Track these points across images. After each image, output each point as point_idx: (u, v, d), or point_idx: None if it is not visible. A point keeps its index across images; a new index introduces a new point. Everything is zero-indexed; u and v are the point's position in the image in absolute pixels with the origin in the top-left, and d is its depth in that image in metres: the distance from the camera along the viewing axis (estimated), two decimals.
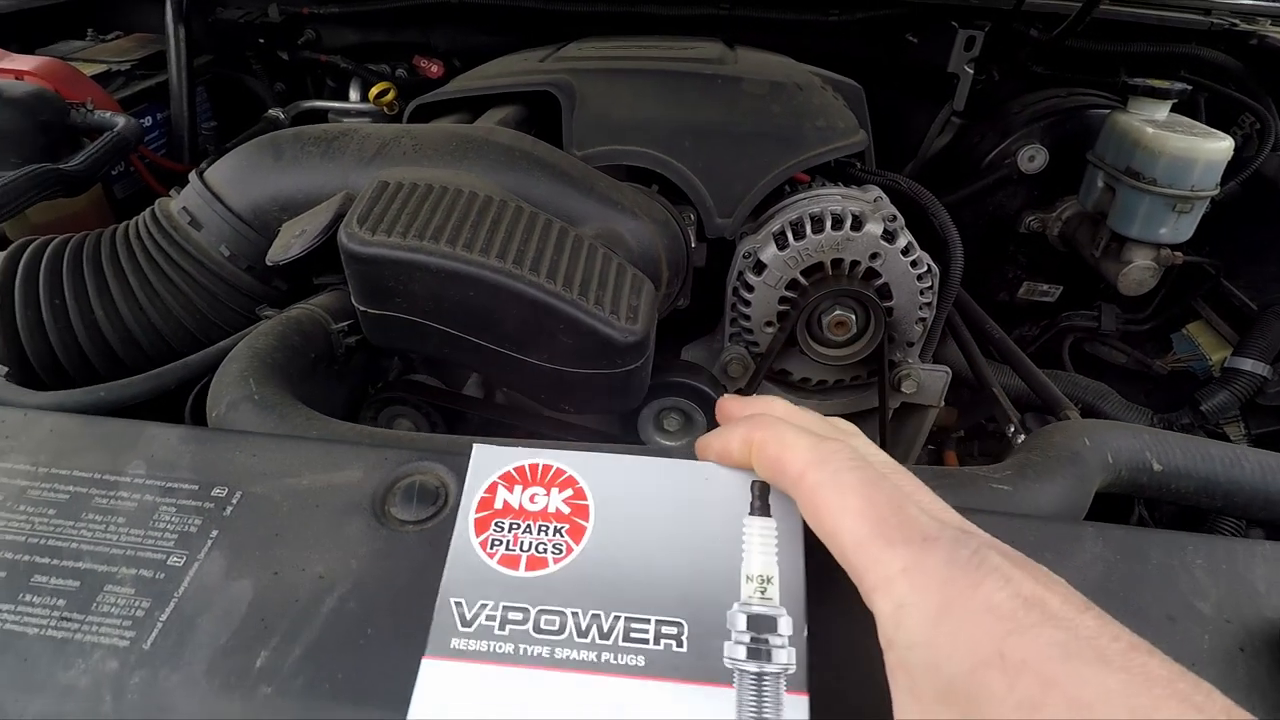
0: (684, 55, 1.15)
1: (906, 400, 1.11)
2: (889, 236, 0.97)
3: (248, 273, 0.88)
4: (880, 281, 0.99)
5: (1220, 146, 1.20)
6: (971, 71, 1.41)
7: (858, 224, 0.96)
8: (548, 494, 0.40)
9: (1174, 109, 1.35)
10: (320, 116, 1.67)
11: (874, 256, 0.98)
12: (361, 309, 0.74)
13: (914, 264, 0.99)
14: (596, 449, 0.45)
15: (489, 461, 0.41)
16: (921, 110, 1.63)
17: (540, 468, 0.41)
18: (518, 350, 0.75)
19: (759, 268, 1.00)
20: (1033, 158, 1.48)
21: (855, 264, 0.98)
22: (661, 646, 0.34)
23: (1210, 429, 1.32)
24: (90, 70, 1.38)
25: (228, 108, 1.70)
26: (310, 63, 1.68)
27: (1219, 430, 1.31)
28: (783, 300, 1.01)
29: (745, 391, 1.06)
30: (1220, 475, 0.75)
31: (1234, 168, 1.31)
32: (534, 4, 1.47)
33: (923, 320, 1.03)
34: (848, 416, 1.13)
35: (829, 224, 0.96)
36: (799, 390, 1.10)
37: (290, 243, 0.82)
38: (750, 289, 1.01)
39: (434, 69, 1.61)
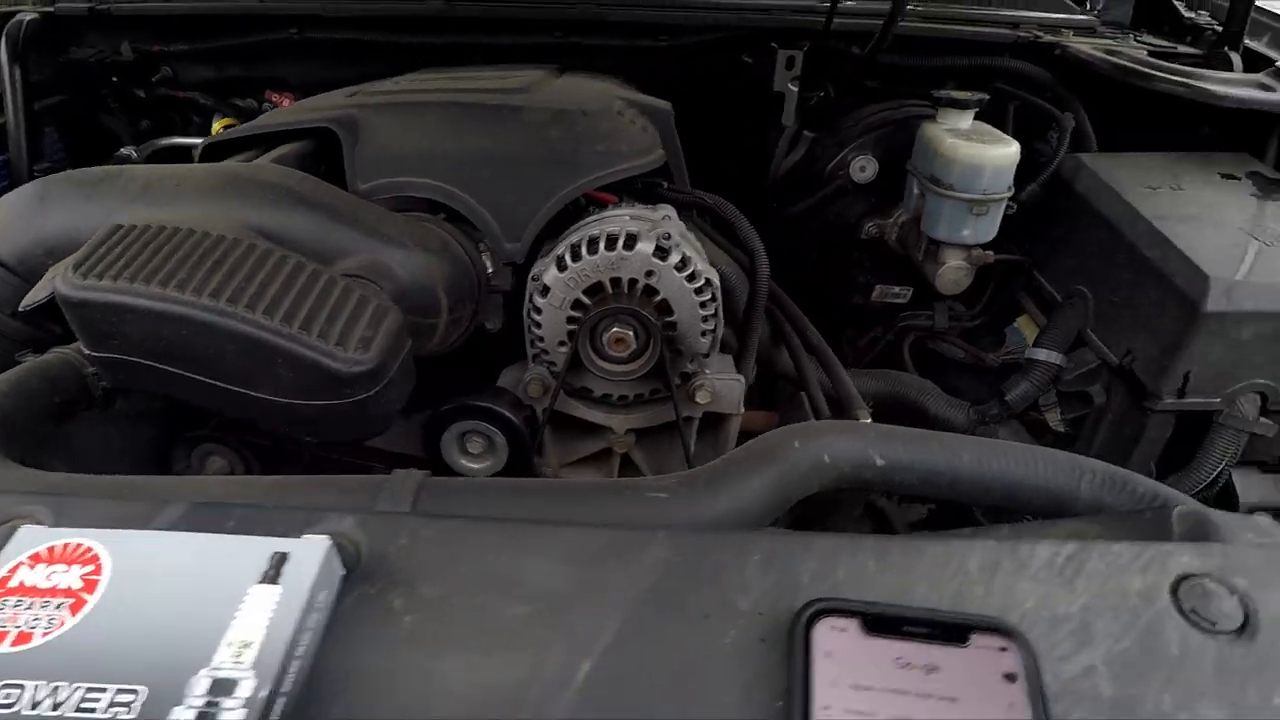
0: (487, 85, 1.19)
1: (708, 410, 1.14)
2: (661, 254, 1.01)
3: (16, 318, 0.89)
4: (659, 298, 1.03)
5: (1005, 152, 1.26)
6: (796, 89, 1.47)
7: (630, 243, 1.00)
8: (67, 570, 0.42)
9: (989, 118, 1.42)
10: (180, 152, 1.69)
11: (649, 274, 1.01)
12: (87, 352, 0.76)
13: (690, 278, 1.02)
14: (134, 534, 0.45)
15: (28, 540, 0.43)
16: (775, 127, 1.69)
17: (71, 546, 0.43)
18: (245, 386, 0.77)
19: (544, 290, 1.03)
20: (864, 168, 1.54)
21: (633, 282, 1.02)
22: (110, 715, 0.36)
23: (1033, 417, 1.38)
24: None
25: (85, 148, 1.71)
26: (169, 99, 1.70)
27: (1039, 418, 1.37)
28: (570, 320, 1.04)
29: (547, 410, 1.09)
30: (941, 466, 0.79)
31: (1035, 170, 1.38)
32: (376, 38, 1.50)
33: (709, 332, 1.07)
34: (652, 430, 1.17)
35: (603, 245, 1.00)
36: (602, 405, 1.14)
37: (42, 286, 0.84)
38: (539, 311, 1.05)
39: (285, 103, 1.64)
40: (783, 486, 0.75)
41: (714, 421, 1.19)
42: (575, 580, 0.49)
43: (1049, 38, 1.51)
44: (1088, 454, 1.25)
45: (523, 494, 0.63)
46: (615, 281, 1.02)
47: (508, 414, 1.07)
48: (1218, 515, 0.58)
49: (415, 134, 1.05)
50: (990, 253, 1.39)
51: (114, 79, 1.65)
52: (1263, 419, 1.10)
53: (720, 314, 1.07)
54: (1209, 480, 1.11)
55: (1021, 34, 1.50)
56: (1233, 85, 1.38)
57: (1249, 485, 1.18)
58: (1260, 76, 1.41)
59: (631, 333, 1.01)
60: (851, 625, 0.44)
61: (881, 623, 0.44)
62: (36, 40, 1.54)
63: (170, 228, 0.78)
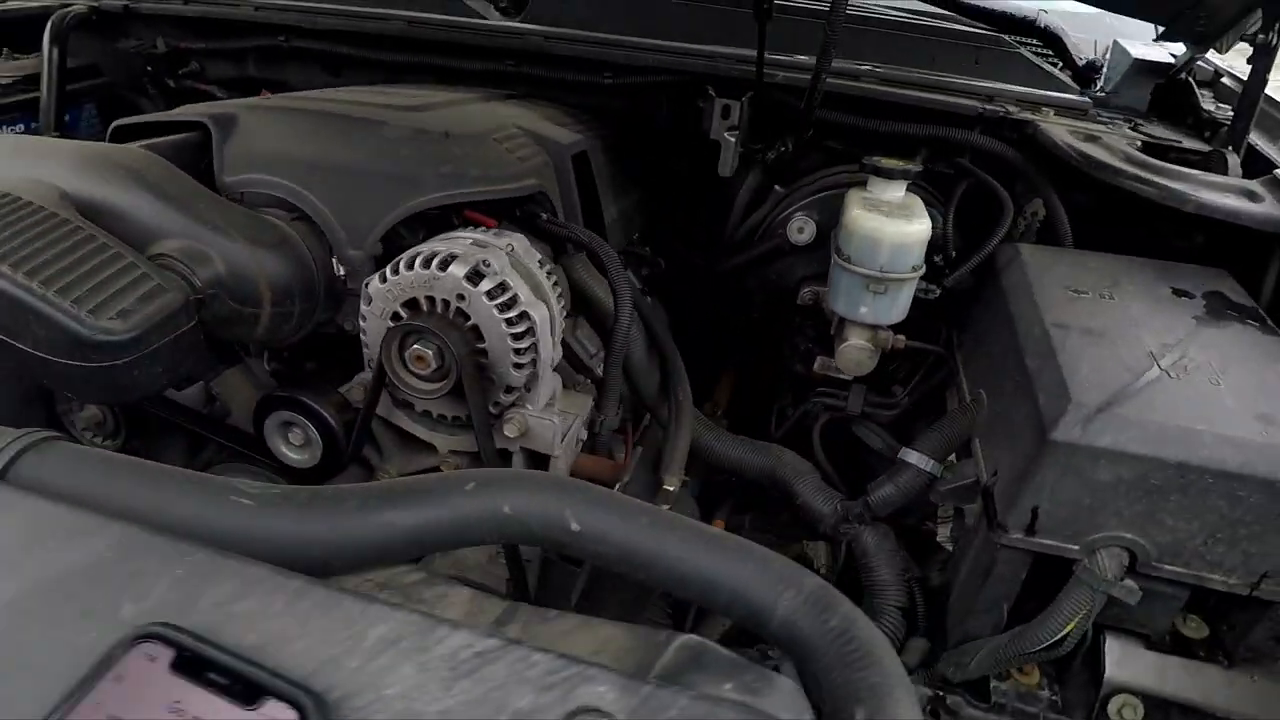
0: (384, 101, 1.23)
1: (525, 446, 1.12)
2: (473, 279, 1.00)
3: None
4: (470, 323, 1.02)
5: (907, 231, 1.17)
6: (733, 140, 1.43)
7: (444, 264, 1.00)
8: None
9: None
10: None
11: (460, 297, 1.01)
12: None
13: (503, 308, 1.01)
14: None
15: None
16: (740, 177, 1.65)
17: None
18: (9, 337, 0.83)
19: (369, 299, 1.05)
20: (801, 229, 1.47)
21: (446, 303, 1.02)
22: None
23: (928, 528, 1.25)
24: None
25: None
26: (192, 90, 1.88)
27: (931, 529, 1.24)
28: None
29: (363, 415, 1.10)
30: (642, 546, 0.75)
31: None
32: (349, 51, 1.60)
33: (523, 366, 1.05)
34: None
35: (419, 262, 1.01)
36: (424, 421, 1.13)
37: None
38: (364, 319, 1.07)
39: None
40: (436, 528, 0.73)
41: (540, 461, 1.16)
42: None
43: (1024, 115, 1.40)
44: (954, 580, 1.13)
45: (117, 474, 0.64)
46: (430, 300, 1.03)
47: (320, 410, 1.09)
48: (723, 655, 0.51)
49: (280, 137, 1.10)
50: (900, 338, 1.29)
51: (149, 68, 1.85)
52: (1126, 581, 0.93)
53: (540, 350, 1.05)
54: (1056, 639, 0.95)
55: (992, 107, 1.39)
56: (1212, 190, 1.22)
57: (1124, 658, 1.00)
58: (1252, 183, 1.24)
59: (432, 352, 1.01)
60: (166, 656, 0.42)
61: (189, 662, 0.42)
62: (83, 30, 1.75)
63: None
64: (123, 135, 1.19)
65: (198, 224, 0.99)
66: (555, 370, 1.21)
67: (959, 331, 1.35)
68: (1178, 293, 1.17)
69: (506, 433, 1.08)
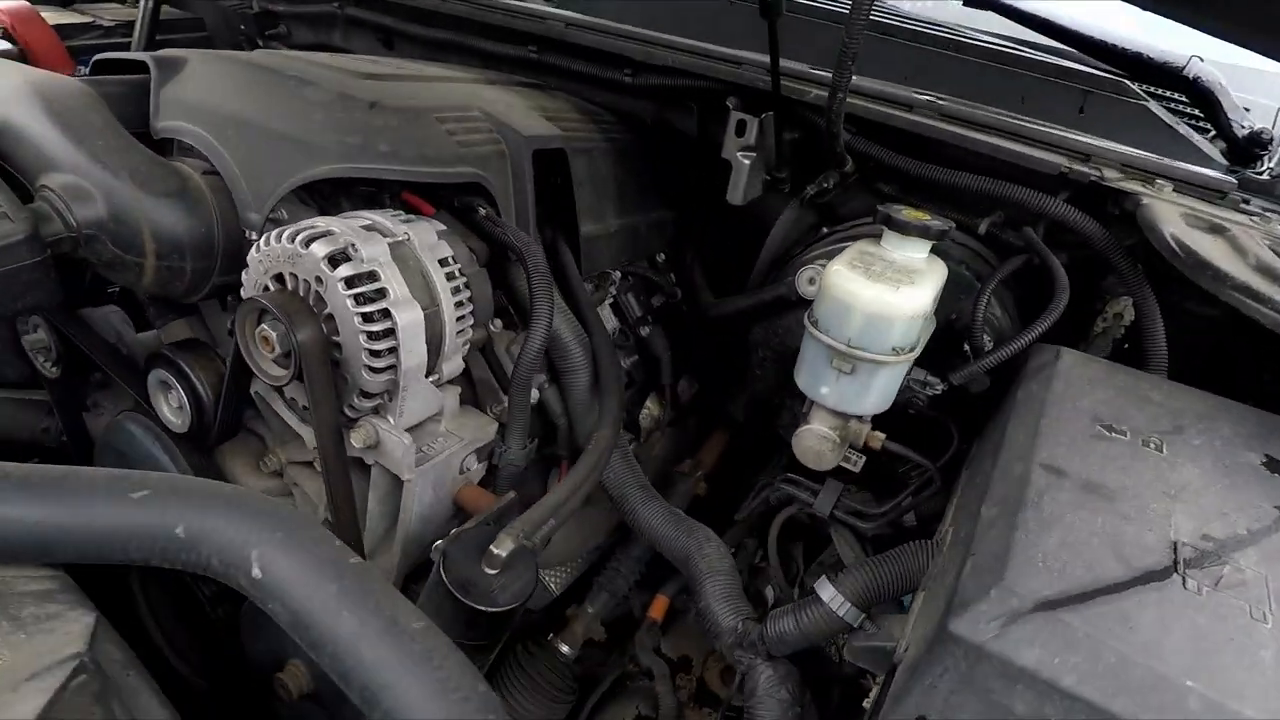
0: (353, 66, 1.15)
1: (379, 462, 0.98)
2: (333, 262, 0.89)
3: None
4: (326, 311, 0.91)
5: (889, 300, 0.91)
6: (746, 162, 1.22)
7: (308, 241, 0.90)
8: None
9: None
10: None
11: (319, 280, 0.90)
12: None
13: (360, 300, 0.89)
14: None
15: None
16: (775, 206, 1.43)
17: None
18: None
19: (246, 267, 0.97)
20: (813, 280, 1.23)
21: (307, 284, 0.91)
22: None
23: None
24: (63, 19, 1.73)
25: None
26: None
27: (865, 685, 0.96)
28: None
29: (225, 390, 1.02)
30: (313, 616, 0.60)
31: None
32: (389, 23, 1.56)
33: (380, 370, 0.91)
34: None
35: (287, 235, 0.91)
36: (295, 410, 1.03)
37: None
38: (242, 288, 0.99)
39: None
40: (74, 534, 0.62)
41: (380, 477, 1.02)
42: None
43: (1127, 184, 1.07)
44: None
45: None
46: (293, 279, 0.92)
47: (191, 375, 1.02)
48: None
49: (212, 88, 1.05)
50: (877, 435, 1.01)
51: (242, 27, 1.93)
52: None
53: (402, 357, 0.92)
54: None
55: (1082, 169, 1.07)
56: None
57: None
58: None
59: (277, 335, 0.90)
60: None
61: None
62: None
63: None
64: (103, 69, 1.20)
65: (90, 160, 0.95)
66: (453, 384, 1.08)
67: (975, 445, 1.05)
68: (1272, 465, 0.82)
69: (353, 440, 0.95)
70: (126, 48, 1.79)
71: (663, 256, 1.62)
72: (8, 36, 1.64)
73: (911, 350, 0.94)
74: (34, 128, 0.94)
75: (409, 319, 0.91)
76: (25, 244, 0.86)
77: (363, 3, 1.59)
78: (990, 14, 1.33)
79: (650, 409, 1.63)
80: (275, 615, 0.63)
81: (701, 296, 1.53)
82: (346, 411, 0.96)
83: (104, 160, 0.95)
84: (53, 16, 1.73)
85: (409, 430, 0.99)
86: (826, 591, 0.87)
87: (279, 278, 0.93)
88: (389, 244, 0.93)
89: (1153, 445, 0.82)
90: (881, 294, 0.91)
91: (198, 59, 1.07)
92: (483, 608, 0.83)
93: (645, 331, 1.50)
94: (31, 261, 0.87)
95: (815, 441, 1.02)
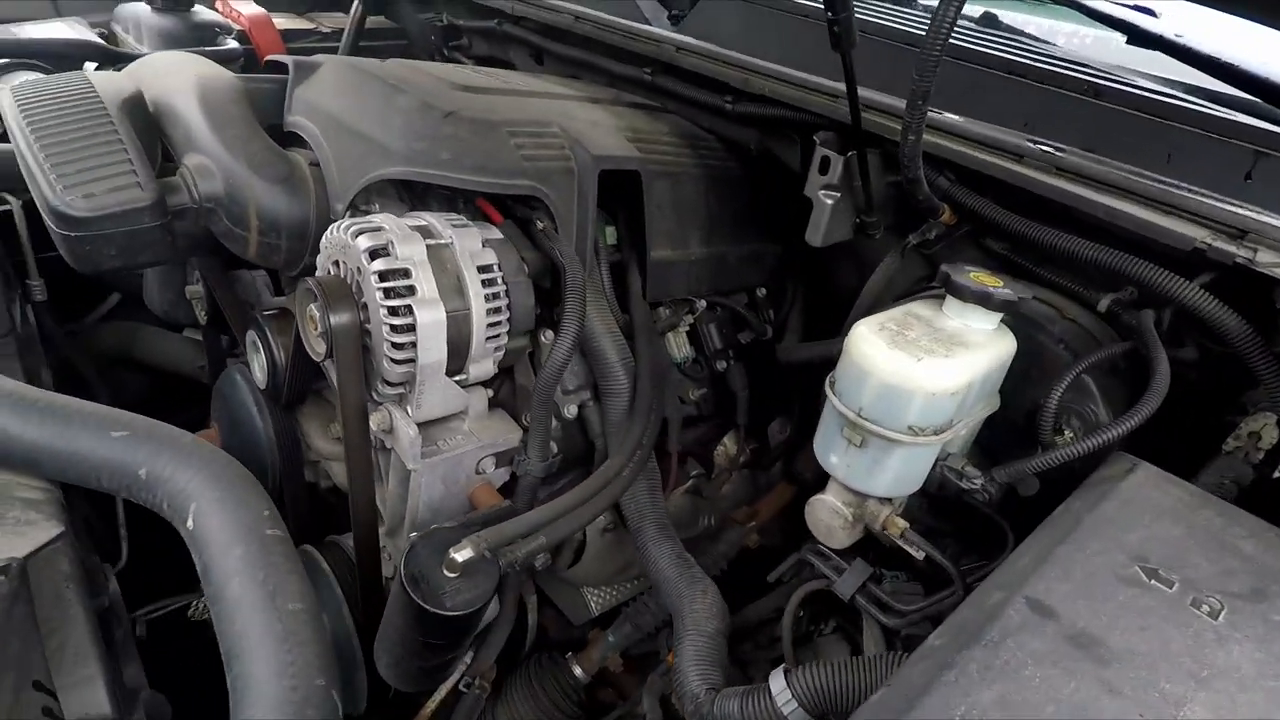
0: (452, 78, 1.23)
1: (396, 449, 1.04)
2: (371, 256, 0.95)
3: None
4: (363, 300, 0.98)
5: (908, 373, 0.80)
6: (829, 202, 1.13)
7: (355, 234, 0.97)
8: None
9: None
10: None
11: (359, 271, 0.97)
12: None
13: (388, 294, 0.95)
14: None
15: None
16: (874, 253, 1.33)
17: None
18: (28, 184, 1.03)
19: (319, 250, 1.07)
20: None
21: (352, 273, 0.99)
22: None
23: None
24: (291, 25, 2.02)
25: None
26: (456, 61, 2.12)
27: None
28: None
29: (289, 361, 1.13)
30: (212, 573, 0.67)
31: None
32: (538, 41, 1.65)
33: (399, 363, 0.97)
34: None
35: (344, 226, 1.00)
36: None
37: None
38: (316, 269, 1.09)
39: None
40: (50, 452, 0.73)
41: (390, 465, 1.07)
42: None
43: (1271, 268, 0.86)
44: None
45: None
46: (344, 267, 1.01)
47: (270, 340, 1.14)
48: None
49: (330, 90, 1.16)
50: (898, 522, 0.90)
51: (432, 37, 2.13)
52: None
53: (420, 353, 0.96)
54: None
55: (1225, 247, 0.88)
56: None
57: None
58: None
59: (319, 315, 0.99)
60: None
61: None
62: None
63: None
64: (274, 69, 1.38)
65: (219, 145, 1.10)
66: (484, 387, 1.11)
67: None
68: None
69: (371, 422, 1.02)
70: (332, 53, 2.06)
71: (763, 291, 1.55)
72: (242, 38, 1.96)
73: (937, 432, 0.82)
74: (186, 114, 1.12)
75: (430, 318, 0.95)
76: (148, 210, 1.02)
77: (516, 21, 1.69)
78: (1144, 53, 1.13)
79: (726, 447, 1.57)
80: (197, 564, 0.68)
81: (787, 338, 1.45)
82: (373, 395, 1.03)
83: (230, 146, 1.10)
84: (283, 22, 2.04)
85: (426, 424, 1.04)
86: (777, 684, 0.79)
87: (337, 264, 1.02)
88: (428, 245, 0.98)
89: (1205, 608, 0.65)
90: (900, 363, 0.80)
91: (328, 65, 1.21)
92: (428, 607, 0.84)
93: (722, 366, 1.45)
94: (151, 225, 1.03)
95: (826, 515, 0.93)
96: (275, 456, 1.27)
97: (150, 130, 1.14)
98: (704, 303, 1.43)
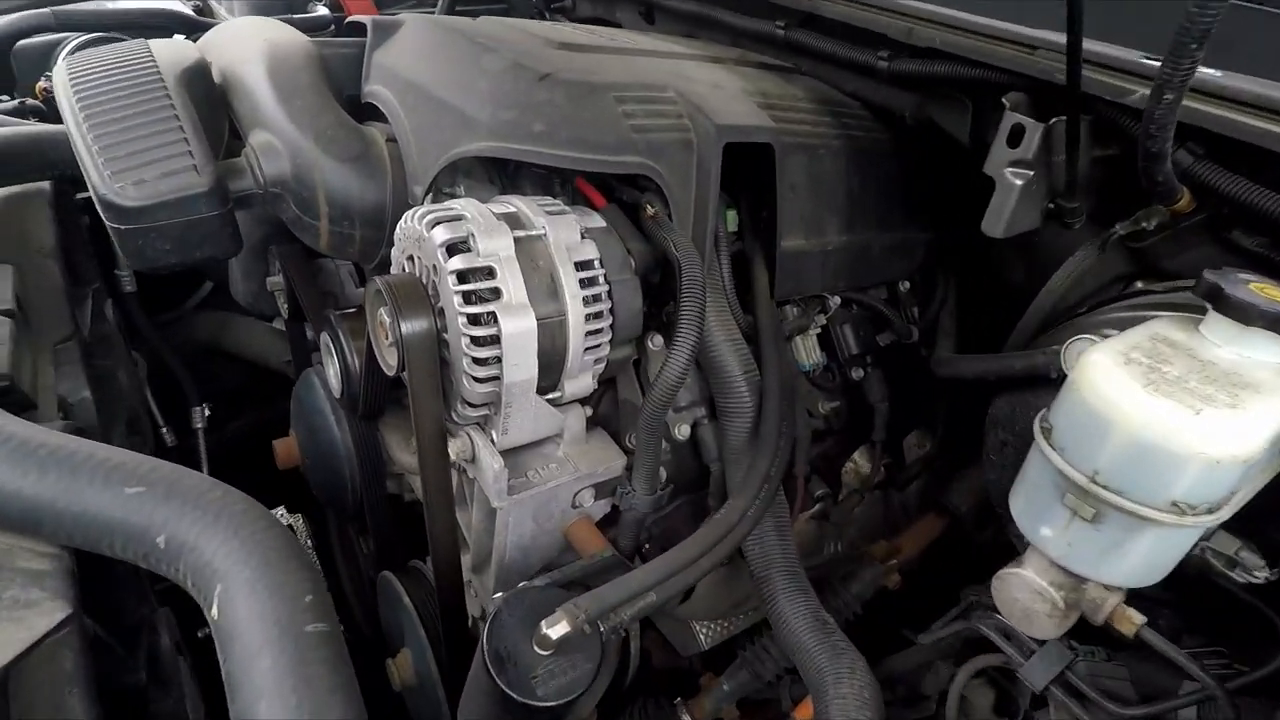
0: (553, 36, 1.04)
1: (479, 482, 0.87)
2: (450, 252, 0.79)
3: None
4: (439, 305, 0.81)
5: (1180, 429, 0.56)
6: (1018, 182, 0.88)
7: (431, 225, 0.81)
8: None
9: None
10: None
11: (435, 269, 0.81)
12: None
13: (468, 299, 0.78)
14: None
15: None
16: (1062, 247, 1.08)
17: None
18: (77, 170, 0.91)
19: (393, 243, 0.92)
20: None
21: (428, 271, 0.83)
22: None
23: None
24: None
25: None
26: None
27: None
28: None
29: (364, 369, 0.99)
30: (237, 686, 0.53)
31: None
32: None
33: (478, 380, 0.80)
34: None
35: (417, 216, 0.83)
36: None
37: None
38: (392, 263, 0.94)
39: None
40: (52, 511, 0.60)
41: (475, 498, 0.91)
42: None
43: None
44: None
45: None
46: (419, 264, 0.85)
47: (344, 344, 1.01)
48: None
49: (410, 50, 1.00)
50: (1133, 617, 0.66)
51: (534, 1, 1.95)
52: None
53: (506, 370, 0.79)
54: None
55: None
56: None
57: None
58: None
59: (390, 322, 0.83)
60: None
61: None
62: None
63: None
64: (353, 31, 1.23)
65: (285, 119, 0.96)
66: (582, 404, 0.94)
67: None
68: None
69: (450, 450, 0.86)
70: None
71: (907, 285, 1.31)
72: (335, 4, 1.85)
73: (1211, 510, 0.58)
74: (253, 84, 0.98)
75: (517, 327, 0.78)
76: (205, 198, 0.89)
77: None
78: None
79: (857, 465, 1.35)
80: (222, 668, 0.54)
81: (941, 344, 1.21)
82: (453, 416, 0.87)
83: (297, 120, 0.96)
84: None
85: (514, 450, 0.88)
86: None
87: (411, 260, 0.87)
88: (517, 237, 0.81)
89: None
90: (1167, 415, 0.56)
91: (410, 23, 1.05)
92: (516, 696, 0.68)
93: (859, 374, 1.22)
94: (210, 215, 0.90)
95: (1025, 597, 0.70)
96: (355, 469, 1.15)
97: (215, 105, 1.02)
98: (838, 300, 1.21)
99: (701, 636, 1.28)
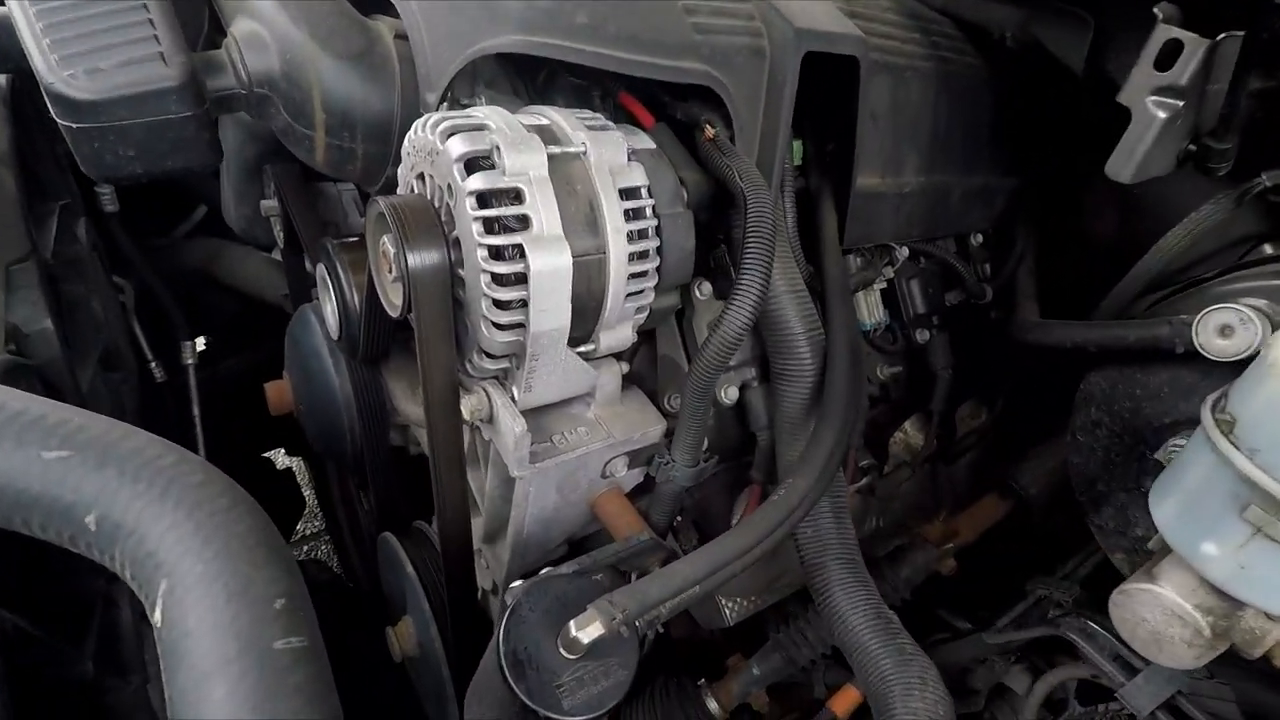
0: None
1: (492, 440, 0.75)
2: (467, 168, 0.64)
3: None
4: (454, 234, 0.67)
5: None
6: (1162, 115, 0.73)
7: (447, 134, 0.66)
8: None
9: None
10: None
11: (449, 189, 0.66)
12: None
13: (490, 228, 0.64)
14: None
15: None
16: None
17: None
18: (26, 59, 0.77)
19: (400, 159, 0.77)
20: (1226, 330, 0.72)
21: (441, 192, 0.68)
22: None
23: None
24: None
25: None
26: None
27: None
28: None
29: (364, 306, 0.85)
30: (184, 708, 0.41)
31: None
32: None
33: (500, 326, 0.66)
34: None
35: (431, 124, 0.68)
36: None
37: None
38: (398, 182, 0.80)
39: None
40: None
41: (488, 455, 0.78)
42: None
43: None
44: None
45: None
46: (431, 183, 0.70)
47: (341, 276, 0.87)
48: None
49: None
50: None
51: None
52: None
53: (532, 318, 0.66)
54: None
55: None
56: None
57: None
58: None
59: (394, 251, 0.69)
60: None
61: None
62: None
63: None
64: None
65: (275, 6, 0.80)
66: (618, 359, 0.80)
67: None
68: None
69: (464, 409, 0.73)
70: None
71: (980, 238, 1.15)
72: None
73: None
74: None
75: (548, 265, 0.64)
76: (175, 94, 0.74)
77: None
78: None
79: (908, 435, 1.22)
80: (165, 690, 0.42)
81: (1022, 306, 1.06)
82: (467, 368, 0.73)
83: (288, 7, 0.80)
84: None
85: (537, 411, 0.74)
86: None
87: (422, 178, 0.72)
88: (551, 155, 0.66)
89: None
90: None
91: None
92: (540, 710, 0.56)
93: (924, 336, 1.08)
94: (180, 116, 0.75)
95: (1157, 618, 0.57)
96: (354, 418, 1.03)
97: None
98: (906, 251, 1.06)
99: (728, 612, 1.18)
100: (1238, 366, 0.67)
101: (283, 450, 2.05)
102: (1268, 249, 0.90)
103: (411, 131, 0.72)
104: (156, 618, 0.41)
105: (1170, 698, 0.70)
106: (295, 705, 0.38)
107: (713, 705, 1.07)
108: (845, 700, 1.06)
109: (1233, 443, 0.50)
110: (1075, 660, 0.82)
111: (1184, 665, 0.59)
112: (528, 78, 0.87)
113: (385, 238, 0.70)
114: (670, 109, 0.80)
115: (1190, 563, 0.54)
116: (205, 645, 0.39)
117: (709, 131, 0.76)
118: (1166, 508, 0.57)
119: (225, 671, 0.38)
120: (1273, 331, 0.68)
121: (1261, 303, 0.71)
